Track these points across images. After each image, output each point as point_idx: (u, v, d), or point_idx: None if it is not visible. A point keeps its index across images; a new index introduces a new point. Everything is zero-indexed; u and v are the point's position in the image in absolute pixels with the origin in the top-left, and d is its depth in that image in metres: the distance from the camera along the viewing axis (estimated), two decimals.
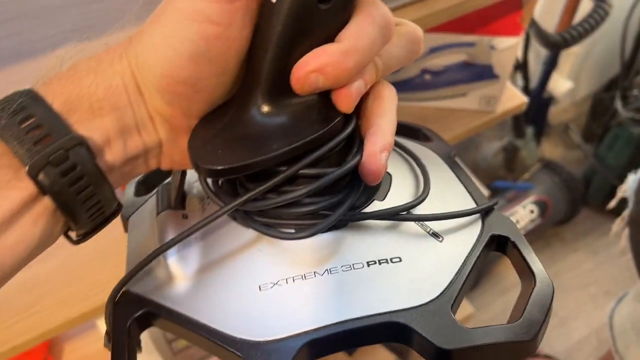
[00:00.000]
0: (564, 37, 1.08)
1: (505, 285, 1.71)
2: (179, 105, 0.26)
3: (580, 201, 1.75)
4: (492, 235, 0.30)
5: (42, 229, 0.25)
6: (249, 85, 0.26)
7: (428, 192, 0.30)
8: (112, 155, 0.26)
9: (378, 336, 0.26)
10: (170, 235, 0.29)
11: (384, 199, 0.29)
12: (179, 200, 0.32)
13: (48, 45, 0.63)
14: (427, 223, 0.29)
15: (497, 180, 1.66)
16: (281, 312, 0.26)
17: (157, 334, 0.89)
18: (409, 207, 0.29)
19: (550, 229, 1.76)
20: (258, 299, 0.27)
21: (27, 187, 0.24)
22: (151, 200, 0.35)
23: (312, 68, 0.24)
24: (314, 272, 0.27)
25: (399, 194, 0.30)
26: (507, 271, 1.74)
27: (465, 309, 1.62)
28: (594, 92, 1.86)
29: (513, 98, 0.98)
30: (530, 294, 0.27)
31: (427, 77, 0.92)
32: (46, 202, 0.24)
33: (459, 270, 0.28)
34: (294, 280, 0.27)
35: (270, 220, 0.27)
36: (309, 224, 0.27)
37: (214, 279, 0.28)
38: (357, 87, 0.26)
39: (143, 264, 0.28)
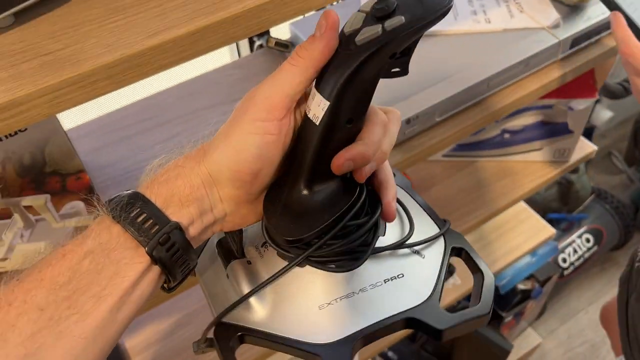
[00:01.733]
0: (624, 87, 1.16)
1: (568, 312, 1.77)
2: (243, 189, 0.37)
3: (632, 226, 1.81)
4: (452, 247, 0.43)
5: (153, 287, 0.36)
6: (296, 174, 0.38)
7: (414, 227, 0.43)
8: (194, 230, 0.37)
9: (399, 327, 0.40)
10: (245, 280, 0.41)
11: (384, 234, 0.42)
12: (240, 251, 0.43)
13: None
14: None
15: (551, 213, 1.73)
16: (337, 321, 0.39)
17: None
18: (407, 238, 0.42)
19: (605, 254, 1.83)
20: (320, 315, 0.39)
21: (145, 261, 0.35)
22: (208, 248, 0.45)
23: (347, 158, 0.37)
24: (352, 292, 0.40)
25: (392, 229, 0.43)
26: (569, 297, 1.80)
27: (532, 339, 1.69)
28: (633, 115, 1.93)
29: (584, 147, 1.07)
30: (482, 284, 0.42)
31: (507, 135, 1.01)
32: (156, 269, 0.36)
33: (438, 274, 0.42)
34: (340, 300, 0.39)
35: (321, 259, 0.39)
36: (350, 258, 0.40)
37: (283, 305, 0.40)
38: (371, 167, 0.38)
39: (237, 303, 0.39)
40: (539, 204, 1.74)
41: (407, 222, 0.43)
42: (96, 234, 0.35)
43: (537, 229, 1.36)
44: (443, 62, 0.75)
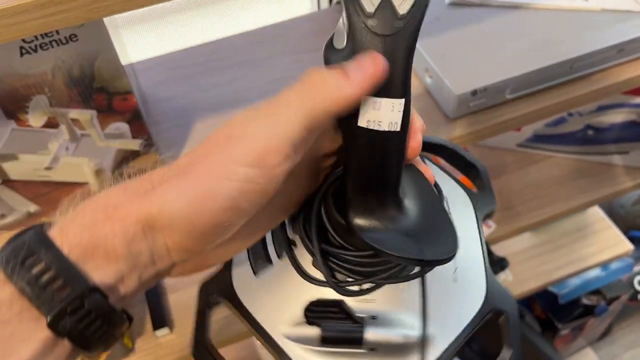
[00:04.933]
0: None
1: (636, 340, 1.64)
2: (200, 240, 0.28)
3: None
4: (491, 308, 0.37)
5: None
6: (382, 190, 0.30)
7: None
8: (125, 288, 0.28)
9: None
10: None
11: None
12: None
13: (257, 94, 0.74)
14: None
15: (636, 230, 1.60)
16: None
17: None
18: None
19: None
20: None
21: (47, 336, 0.26)
22: None
23: (418, 138, 0.30)
24: None
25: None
26: (636, 324, 1.66)
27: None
28: None
29: None
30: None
31: (590, 132, 0.93)
32: (65, 343, 0.26)
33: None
34: None
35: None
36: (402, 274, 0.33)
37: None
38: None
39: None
40: (622, 218, 1.61)
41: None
42: None
43: (613, 242, 1.26)
44: (525, 36, 0.69)
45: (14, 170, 0.55)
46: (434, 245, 0.28)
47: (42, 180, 0.57)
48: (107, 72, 0.51)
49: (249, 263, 0.35)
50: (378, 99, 0.27)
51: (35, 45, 0.47)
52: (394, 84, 0.27)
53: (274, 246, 0.35)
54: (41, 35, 0.46)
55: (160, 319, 0.84)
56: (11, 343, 0.25)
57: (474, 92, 0.64)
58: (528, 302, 1.35)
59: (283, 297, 0.34)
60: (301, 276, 0.33)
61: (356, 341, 0.32)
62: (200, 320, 0.35)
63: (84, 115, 0.53)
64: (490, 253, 0.92)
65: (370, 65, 0.26)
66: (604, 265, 1.24)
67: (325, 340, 0.32)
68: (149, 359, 0.82)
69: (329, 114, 0.27)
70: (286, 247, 0.34)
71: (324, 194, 0.32)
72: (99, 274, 0.26)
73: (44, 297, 0.25)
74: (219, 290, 0.36)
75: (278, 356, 0.33)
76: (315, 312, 0.33)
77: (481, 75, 0.65)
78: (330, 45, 0.29)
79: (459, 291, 0.35)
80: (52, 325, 0.26)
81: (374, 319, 0.33)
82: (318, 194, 0.32)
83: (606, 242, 1.26)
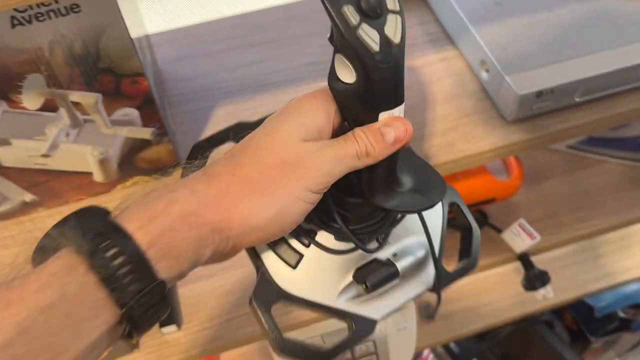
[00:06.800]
0: None
1: None
2: (263, 243, 0.36)
3: None
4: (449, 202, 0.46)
5: (110, 344, 0.30)
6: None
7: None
8: (178, 280, 0.32)
9: None
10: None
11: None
12: None
13: (286, 78, 0.66)
14: None
15: None
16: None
17: None
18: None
19: None
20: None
21: (112, 320, 0.28)
22: None
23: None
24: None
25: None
26: None
27: None
28: None
29: None
30: (471, 239, 0.46)
31: None
32: (121, 327, 0.29)
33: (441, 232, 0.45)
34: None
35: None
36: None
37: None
38: None
39: None
40: None
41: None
42: (60, 281, 0.27)
43: None
44: (605, 31, 0.59)
45: (6, 156, 0.48)
46: (430, 191, 0.38)
47: (39, 168, 0.50)
48: (114, 51, 0.43)
49: (281, 263, 0.40)
50: (391, 111, 0.34)
51: (30, 16, 0.39)
52: (399, 96, 0.34)
53: (297, 241, 0.41)
54: (37, 4, 0.39)
55: (168, 315, 0.77)
56: (80, 326, 0.28)
57: (539, 93, 0.55)
58: (559, 310, 1.26)
59: (325, 275, 0.41)
60: (331, 253, 0.41)
61: (393, 278, 0.41)
62: (271, 322, 0.39)
63: (87, 98, 0.46)
64: (532, 266, 0.84)
65: (405, 133, 0.34)
66: None
67: (373, 287, 0.41)
68: (153, 357, 0.76)
69: (372, 162, 0.35)
70: (311, 238, 0.41)
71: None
72: (167, 272, 0.30)
73: (120, 288, 0.28)
74: (271, 296, 0.40)
75: (348, 319, 0.41)
76: (360, 273, 0.41)
77: (548, 74, 0.56)
78: (336, 78, 0.33)
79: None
80: (125, 314, 0.28)
81: (395, 256, 0.42)
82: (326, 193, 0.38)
83: None
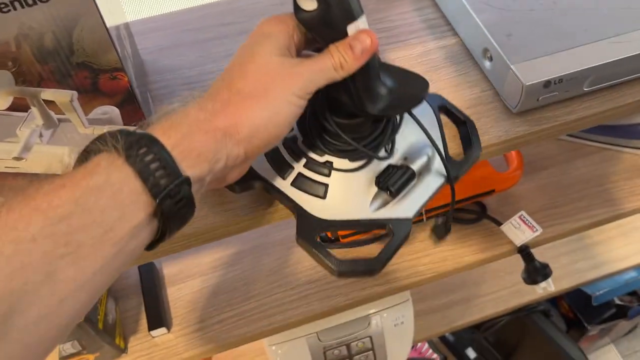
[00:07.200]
0: None
1: None
2: (264, 148, 0.40)
3: None
4: (438, 106, 0.52)
5: (146, 241, 0.34)
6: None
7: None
8: (200, 186, 0.36)
9: None
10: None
11: None
12: None
13: None
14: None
15: None
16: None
17: None
18: None
19: None
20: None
21: (149, 211, 0.33)
22: None
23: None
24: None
25: None
26: None
27: (611, 357, 1.50)
28: None
29: None
30: (469, 132, 0.51)
31: None
32: (154, 222, 0.34)
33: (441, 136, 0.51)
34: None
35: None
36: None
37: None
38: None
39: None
40: None
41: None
42: (104, 170, 0.32)
43: None
44: (616, 15, 0.56)
45: None
46: (416, 87, 0.43)
47: (11, 172, 0.46)
48: (89, 44, 0.39)
49: (312, 197, 0.45)
50: (355, 22, 0.39)
51: None
52: (357, 7, 0.38)
53: (318, 174, 0.46)
54: None
55: (157, 317, 0.74)
56: (125, 210, 0.32)
57: (547, 84, 0.52)
58: (554, 298, 1.25)
59: (352, 193, 0.46)
60: (351, 171, 0.46)
61: (412, 178, 0.46)
62: (323, 251, 0.43)
63: (60, 96, 0.42)
64: (532, 260, 0.81)
65: (371, 42, 0.39)
66: None
67: (397, 192, 0.45)
68: None
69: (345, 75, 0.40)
70: (329, 167, 0.46)
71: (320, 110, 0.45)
72: (190, 170, 0.34)
73: (153, 181, 0.32)
74: (313, 228, 0.44)
75: (386, 225, 0.45)
76: (382, 180, 0.45)
77: (556, 62, 0.53)
78: (300, 9, 0.38)
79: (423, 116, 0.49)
80: (160, 203, 0.32)
81: (406, 159, 0.47)
82: (316, 111, 0.45)
83: None
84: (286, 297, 0.78)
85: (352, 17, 0.38)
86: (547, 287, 0.81)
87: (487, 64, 0.57)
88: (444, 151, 0.49)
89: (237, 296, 0.78)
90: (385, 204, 0.46)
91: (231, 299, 0.78)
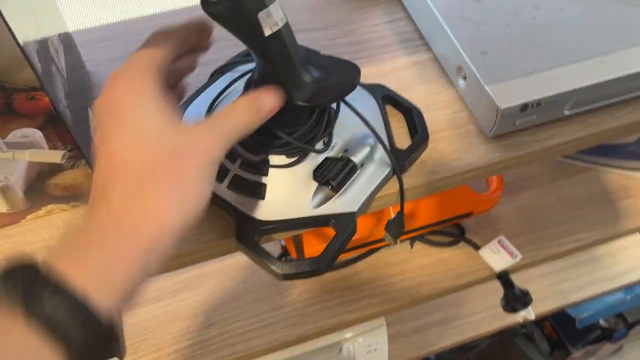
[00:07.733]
0: None
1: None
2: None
3: None
4: (383, 96, 0.51)
5: None
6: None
7: None
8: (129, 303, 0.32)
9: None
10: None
11: None
12: None
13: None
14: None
15: None
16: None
17: None
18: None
19: None
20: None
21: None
22: None
23: None
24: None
25: None
26: None
27: None
28: None
29: None
30: (414, 119, 0.49)
31: None
32: None
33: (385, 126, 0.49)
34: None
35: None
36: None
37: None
38: None
39: None
40: None
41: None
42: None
43: None
44: (599, 34, 0.52)
45: None
46: (346, 75, 0.42)
47: None
48: None
49: (250, 199, 0.43)
50: (267, 10, 0.36)
51: None
52: None
53: (255, 174, 0.44)
54: None
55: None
56: None
57: (524, 107, 0.48)
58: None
59: (292, 190, 0.44)
60: (287, 167, 0.44)
61: (354, 170, 0.44)
62: (263, 253, 0.41)
63: None
64: (512, 286, 0.77)
65: (276, 99, 0.39)
66: (629, 288, 1.10)
67: (338, 185, 0.43)
68: None
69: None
70: (265, 166, 0.44)
71: None
72: (113, 313, 0.29)
73: (61, 332, 0.27)
74: (253, 230, 0.42)
75: (329, 222, 0.43)
76: (319, 174, 0.44)
77: (535, 84, 0.48)
78: (208, 3, 0.35)
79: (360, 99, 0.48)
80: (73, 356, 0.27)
81: (347, 151, 0.45)
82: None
83: (637, 261, 1.11)
84: (250, 324, 0.73)
85: (262, 5, 0.36)
86: (527, 316, 0.76)
87: (461, 82, 0.52)
88: (389, 141, 0.47)
89: (197, 323, 0.73)
90: (327, 199, 0.44)
91: (190, 326, 0.73)
